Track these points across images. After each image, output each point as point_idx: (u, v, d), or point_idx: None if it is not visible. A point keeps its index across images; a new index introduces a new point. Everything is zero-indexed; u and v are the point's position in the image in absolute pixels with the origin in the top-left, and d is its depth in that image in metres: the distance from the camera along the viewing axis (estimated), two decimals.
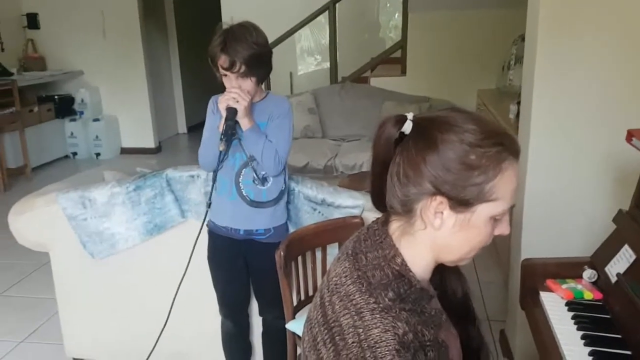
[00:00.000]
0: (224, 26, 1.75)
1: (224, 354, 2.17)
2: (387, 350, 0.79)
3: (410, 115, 0.87)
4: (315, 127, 4.59)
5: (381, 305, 0.84)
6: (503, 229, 0.89)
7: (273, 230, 1.93)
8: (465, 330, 1.01)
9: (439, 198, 0.84)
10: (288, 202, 2.01)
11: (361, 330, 0.82)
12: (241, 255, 1.96)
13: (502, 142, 0.84)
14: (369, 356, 0.79)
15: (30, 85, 5.68)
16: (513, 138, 0.87)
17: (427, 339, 0.85)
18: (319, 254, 1.96)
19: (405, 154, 0.86)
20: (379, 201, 0.94)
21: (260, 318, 2.11)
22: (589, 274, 1.58)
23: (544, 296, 1.57)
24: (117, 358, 2.42)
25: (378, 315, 0.83)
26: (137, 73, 6.14)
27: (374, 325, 0.82)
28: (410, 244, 0.89)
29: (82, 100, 6.11)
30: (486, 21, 4.95)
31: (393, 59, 5.57)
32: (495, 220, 0.87)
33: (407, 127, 0.87)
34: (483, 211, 0.85)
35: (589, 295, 1.53)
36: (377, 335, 0.80)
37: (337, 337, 0.84)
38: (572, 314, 1.48)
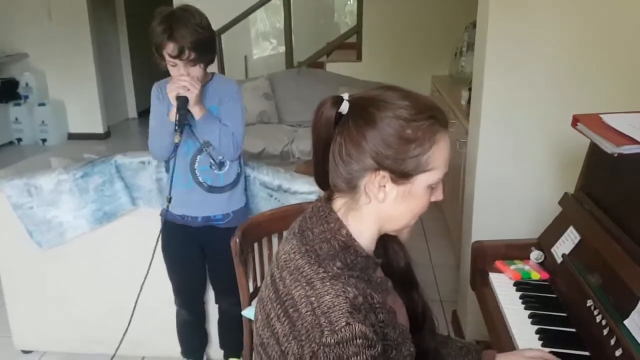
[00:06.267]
0: (164, 11, 1.67)
1: (179, 343, 2.14)
2: (341, 314, 0.82)
3: (346, 96, 0.91)
4: (271, 113, 4.54)
5: (330, 273, 0.87)
6: (438, 195, 0.95)
7: (232, 215, 1.91)
8: (409, 298, 1.06)
9: (381, 172, 0.88)
10: (244, 189, 1.98)
11: (313, 298, 0.85)
12: (197, 243, 1.94)
13: (434, 115, 0.90)
14: (323, 322, 0.82)
15: None
16: (442, 111, 0.92)
17: (376, 302, 0.89)
18: (275, 241, 1.95)
19: (346, 133, 0.90)
20: (323, 181, 0.97)
21: (216, 306, 2.10)
22: (536, 255, 1.63)
23: (493, 277, 1.62)
24: (67, 349, 2.36)
25: (328, 283, 0.86)
26: (84, 55, 5.89)
27: (325, 292, 0.85)
28: (356, 219, 0.93)
29: (27, 84, 5.85)
30: (440, 7, 5.00)
31: (349, 44, 5.55)
32: (431, 188, 0.93)
33: (344, 107, 0.90)
34: (422, 181, 0.90)
35: (536, 275, 1.58)
36: (329, 301, 0.84)
37: (290, 310, 0.86)
38: (520, 293, 1.52)
